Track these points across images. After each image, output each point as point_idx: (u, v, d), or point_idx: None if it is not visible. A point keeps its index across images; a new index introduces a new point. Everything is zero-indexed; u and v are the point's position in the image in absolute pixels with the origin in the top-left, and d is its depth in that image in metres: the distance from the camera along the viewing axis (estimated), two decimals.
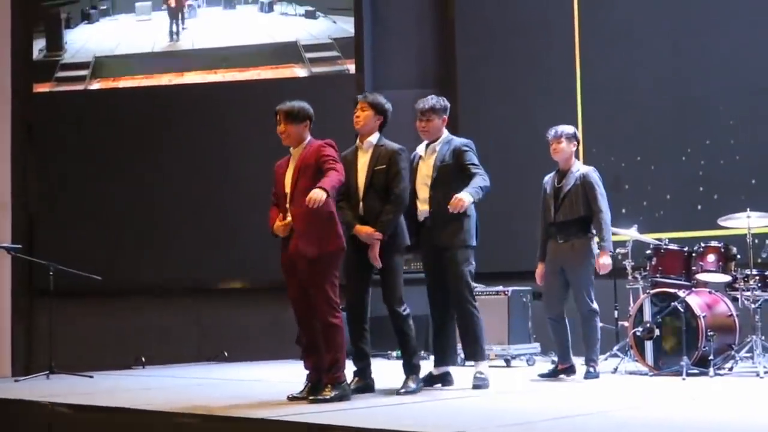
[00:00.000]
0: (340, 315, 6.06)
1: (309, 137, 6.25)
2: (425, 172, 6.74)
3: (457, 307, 6.75)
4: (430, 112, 6.78)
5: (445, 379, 6.77)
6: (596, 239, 7.30)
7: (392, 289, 6.45)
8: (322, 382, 6.03)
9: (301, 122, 6.23)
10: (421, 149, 6.88)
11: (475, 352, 6.72)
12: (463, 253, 6.66)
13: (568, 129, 7.45)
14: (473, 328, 6.71)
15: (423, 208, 6.72)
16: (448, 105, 6.91)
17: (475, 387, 6.58)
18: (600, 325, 7.37)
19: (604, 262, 7.20)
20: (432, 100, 6.83)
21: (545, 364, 8.00)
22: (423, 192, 6.72)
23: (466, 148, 6.73)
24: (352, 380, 6.39)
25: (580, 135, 10.22)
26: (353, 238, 6.42)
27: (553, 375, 7.37)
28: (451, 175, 6.66)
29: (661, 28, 10.31)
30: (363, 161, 6.55)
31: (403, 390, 6.36)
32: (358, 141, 6.65)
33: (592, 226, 7.31)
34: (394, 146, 6.57)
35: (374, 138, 6.58)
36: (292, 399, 6.05)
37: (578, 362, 7.46)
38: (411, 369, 6.53)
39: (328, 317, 5.99)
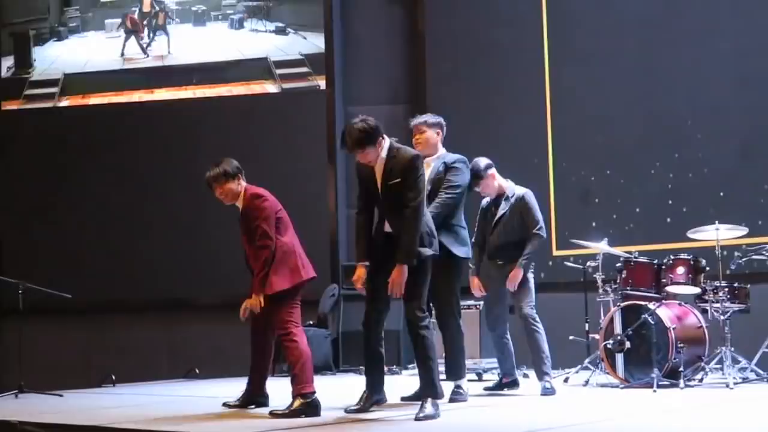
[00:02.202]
0: (295, 332, 6.14)
1: (243, 187, 6.41)
2: None
3: (446, 320, 6.71)
4: (422, 125, 6.86)
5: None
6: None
7: (412, 294, 5.86)
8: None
9: (232, 179, 6.34)
10: None
11: (461, 369, 6.71)
12: (453, 264, 6.62)
13: (483, 162, 7.22)
14: (461, 344, 6.73)
15: None
16: (443, 121, 6.95)
17: (452, 401, 6.53)
18: (545, 336, 7.30)
19: (515, 275, 7.11)
20: (425, 116, 6.96)
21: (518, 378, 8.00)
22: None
23: (456, 165, 6.76)
24: (362, 395, 6.15)
25: (549, 149, 10.42)
26: (375, 258, 6.04)
27: (498, 388, 7.37)
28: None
29: (629, 45, 10.39)
30: (379, 174, 6.00)
31: (422, 415, 5.70)
32: None
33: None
34: (408, 154, 5.96)
35: (384, 152, 5.94)
36: (226, 405, 6.44)
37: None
38: (430, 389, 5.85)
39: (279, 333, 6.21)
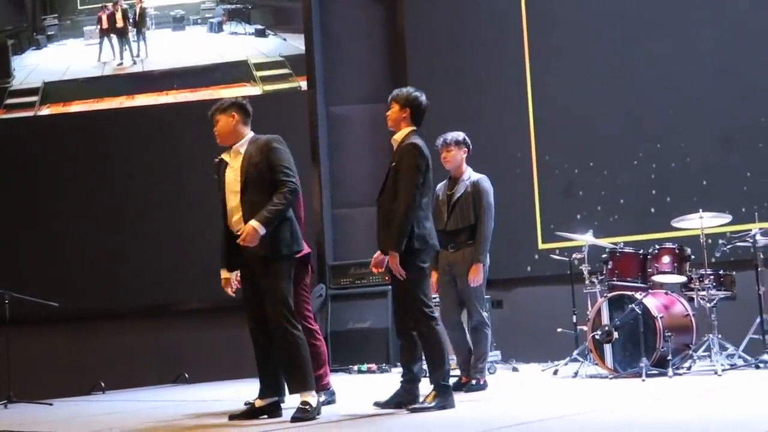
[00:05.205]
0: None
1: None
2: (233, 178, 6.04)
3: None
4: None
5: (273, 411, 5.98)
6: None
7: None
8: None
9: None
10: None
11: (299, 382, 5.81)
12: (282, 265, 5.93)
13: (458, 135, 7.35)
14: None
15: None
16: (237, 103, 6.26)
17: (295, 419, 5.66)
18: (490, 335, 7.29)
19: (475, 275, 7.07)
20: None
21: (506, 372, 8.02)
22: (233, 200, 6.00)
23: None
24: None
25: (532, 143, 10.43)
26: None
27: (457, 388, 6.79)
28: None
29: (609, 37, 10.40)
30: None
31: (418, 405, 5.90)
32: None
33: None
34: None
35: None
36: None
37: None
38: (434, 385, 5.96)
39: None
